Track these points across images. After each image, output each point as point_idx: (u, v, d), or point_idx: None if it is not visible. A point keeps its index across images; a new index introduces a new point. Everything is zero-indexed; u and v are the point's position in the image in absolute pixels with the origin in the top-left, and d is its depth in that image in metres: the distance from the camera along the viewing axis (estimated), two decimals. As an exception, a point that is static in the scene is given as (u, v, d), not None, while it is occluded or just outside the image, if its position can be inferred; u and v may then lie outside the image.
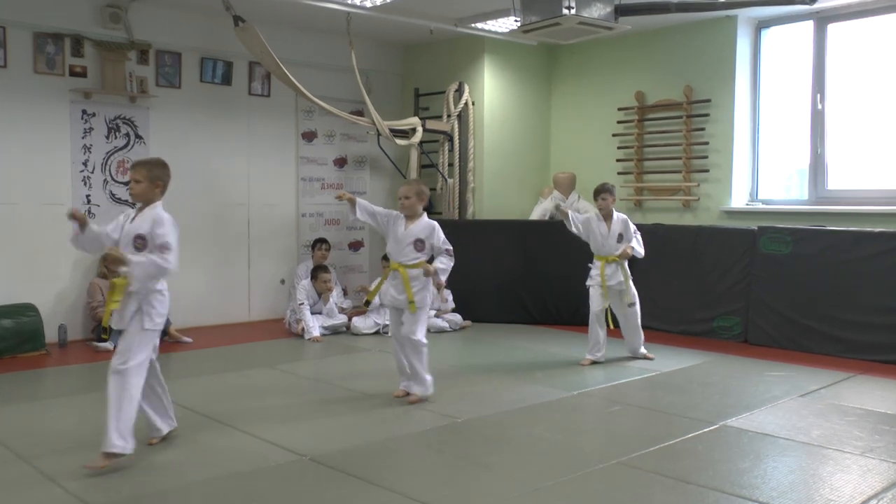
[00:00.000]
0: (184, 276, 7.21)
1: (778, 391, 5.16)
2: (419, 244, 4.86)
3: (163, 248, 3.79)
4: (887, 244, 6.17)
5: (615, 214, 6.05)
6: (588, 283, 6.08)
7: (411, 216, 4.92)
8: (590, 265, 6.10)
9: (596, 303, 6.03)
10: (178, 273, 4.05)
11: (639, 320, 6.11)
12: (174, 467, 3.75)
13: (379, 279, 5.17)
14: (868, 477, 3.65)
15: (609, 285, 5.96)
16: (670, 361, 6.09)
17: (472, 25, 7.62)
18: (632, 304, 6.01)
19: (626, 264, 6.00)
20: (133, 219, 3.87)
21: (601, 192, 6.05)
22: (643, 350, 6.21)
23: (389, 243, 4.98)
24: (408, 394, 4.97)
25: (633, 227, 6.09)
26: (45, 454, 3.93)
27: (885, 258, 6.18)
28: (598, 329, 6.07)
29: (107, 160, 7.08)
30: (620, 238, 6.00)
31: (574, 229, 6.10)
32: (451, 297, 7.75)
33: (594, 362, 6.06)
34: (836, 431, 4.33)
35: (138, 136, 7.25)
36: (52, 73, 6.73)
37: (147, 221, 3.81)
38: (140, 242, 3.76)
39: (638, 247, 6.03)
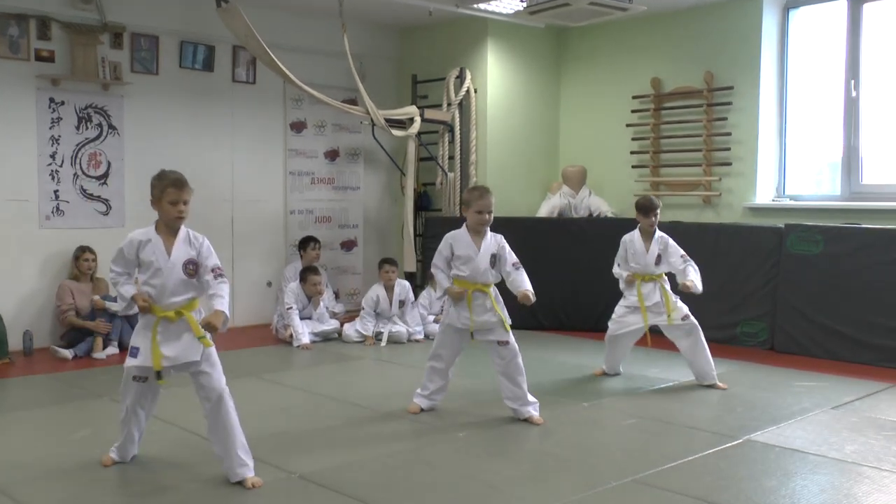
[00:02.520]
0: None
1: (807, 403, 5.14)
2: (493, 260, 4.76)
3: (219, 271, 3.83)
4: (926, 243, 6.16)
5: (657, 233, 5.74)
6: (622, 303, 5.81)
7: (482, 233, 4.77)
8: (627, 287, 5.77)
9: (621, 323, 5.77)
10: None
11: (703, 340, 5.62)
12: (153, 485, 3.73)
13: (450, 304, 4.81)
14: (907, 496, 3.63)
15: (647, 306, 5.64)
16: (687, 371, 6.06)
17: (475, 6, 7.61)
18: (685, 318, 5.60)
19: (665, 282, 5.70)
20: (170, 247, 3.76)
21: (653, 210, 5.69)
22: (714, 378, 5.63)
23: (461, 268, 4.73)
24: (422, 409, 4.94)
25: (680, 251, 5.69)
26: (7, 474, 3.91)
27: (923, 258, 6.16)
28: (616, 351, 5.93)
29: (77, 153, 7.07)
30: (659, 259, 5.70)
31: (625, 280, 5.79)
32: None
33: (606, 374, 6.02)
34: (871, 447, 4.31)
35: (112, 127, 7.23)
36: (16, 58, 6.71)
37: (185, 243, 3.80)
38: (192, 268, 3.77)
39: (697, 279, 5.51)
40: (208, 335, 3.74)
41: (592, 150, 8.61)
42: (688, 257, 5.67)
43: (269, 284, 8.27)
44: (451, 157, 8.51)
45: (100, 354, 6.42)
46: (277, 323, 7.41)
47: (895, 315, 6.26)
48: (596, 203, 8.22)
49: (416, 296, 7.70)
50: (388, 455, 4.17)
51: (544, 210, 8.36)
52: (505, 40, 8.47)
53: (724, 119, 7.62)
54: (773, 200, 7.56)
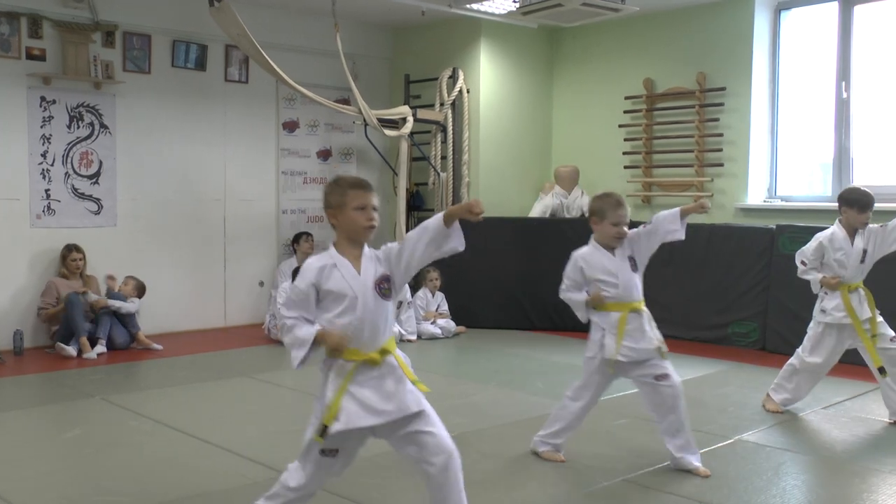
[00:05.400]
0: (154, 279, 7.21)
1: (798, 403, 5.16)
2: (633, 265, 4.06)
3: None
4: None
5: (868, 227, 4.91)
6: (822, 319, 4.90)
7: (616, 246, 4.07)
8: (822, 293, 4.96)
9: (826, 347, 4.89)
10: None
11: None
12: (142, 485, 3.72)
13: (602, 332, 4.03)
14: (896, 496, 3.66)
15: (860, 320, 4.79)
16: (681, 370, 6.02)
17: (468, 6, 7.61)
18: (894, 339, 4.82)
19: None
20: (359, 267, 2.93)
21: (872, 205, 4.93)
22: None
23: (606, 289, 3.99)
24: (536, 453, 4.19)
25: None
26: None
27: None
28: (805, 382, 4.98)
29: (68, 152, 7.05)
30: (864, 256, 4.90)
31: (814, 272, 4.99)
32: (444, 302, 7.74)
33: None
34: (862, 447, 4.33)
35: (103, 126, 7.21)
36: (7, 56, 6.69)
37: (372, 259, 2.97)
38: (387, 287, 2.93)
39: None
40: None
41: (585, 151, 8.62)
42: None
43: (262, 284, 8.26)
44: (444, 157, 8.52)
45: (90, 354, 6.40)
46: (270, 323, 7.41)
47: (885, 316, 6.27)
48: (587, 203, 8.22)
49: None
50: (381, 455, 4.17)
51: (537, 210, 8.38)
52: (498, 40, 8.48)
53: (717, 120, 7.64)
54: (765, 201, 7.59)
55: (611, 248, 4.03)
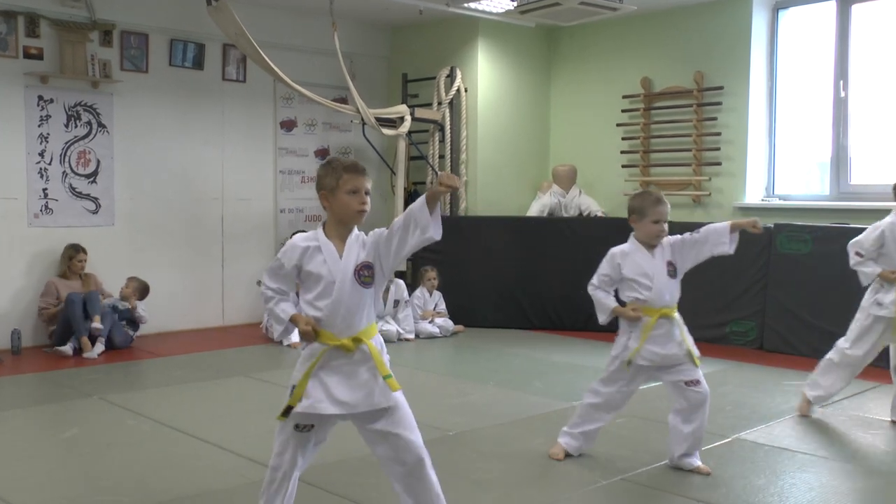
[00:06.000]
0: (152, 278, 7.20)
1: (796, 402, 5.16)
2: (672, 271, 3.95)
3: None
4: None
5: None
6: (876, 311, 4.73)
7: (656, 245, 3.99)
8: (877, 285, 4.76)
9: (870, 341, 4.77)
10: None
11: None
12: (141, 485, 3.72)
13: (628, 335, 3.95)
14: (894, 495, 3.66)
15: None
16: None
17: (466, 5, 7.62)
18: None
19: None
20: (342, 252, 2.90)
21: None
22: None
23: (640, 291, 3.91)
24: (567, 455, 4.12)
25: None
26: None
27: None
28: (841, 377, 4.87)
29: (66, 150, 7.04)
30: None
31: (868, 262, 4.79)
32: (442, 301, 7.74)
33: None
34: (859, 446, 4.34)
35: (101, 125, 7.21)
36: (4, 55, 6.68)
37: (357, 244, 2.93)
38: (367, 274, 2.88)
39: None
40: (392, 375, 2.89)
41: (582, 150, 8.63)
42: None
43: (259, 283, 8.23)
44: (442, 157, 8.52)
45: (90, 353, 6.39)
46: (267, 322, 7.40)
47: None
48: (586, 202, 8.23)
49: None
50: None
51: (534, 209, 8.38)
52: (495, 39, 8.48)
53: (714, 119, 7.65)
54: (763, 200, 7.60)
55: (651, 248, 3.97)
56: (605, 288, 4.01)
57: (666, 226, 3.94)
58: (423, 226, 2.77)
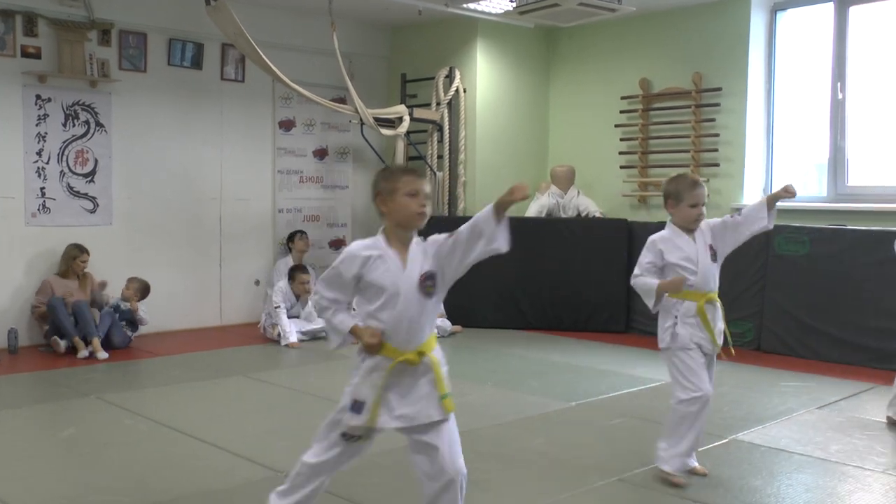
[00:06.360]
0: (150, 278, 7.20)
1: (793, 403, 5.18)
2: (714, 255, 3.87)
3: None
4: (911, 245, 6.20)
5: None
6: None
7: (695, 230, 3.87)
8: None
9: None
10: None
11: None
12: (139, 485, 3.72)
13: (674, 320, 3.80)
14: (891, 496, 3.67)
15: None
16: (677, 371, 6.10)
17: (465, 6, 7.62)
18: None
19: None
20: (405, 261, 2.79)
21: None
22: None
23: (689, 277, 3.76)
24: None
25: None
26: (-4, 470, 3.91)
27: (909, 260, 6.21)
28: None
29: (63, 150, 7.04)
30: None
31: None
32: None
33: None
34: (856, 447, 4.35)
35: (99, 124, 7.21)
36: (2, 55, 6.67)
37: (420, 252, 2.83)
38: (432, 283, 2.80)
39: None
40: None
41: (581, 151, 8.64)
42: None
43: (258, 283, 8.26)
44: (440, 157, 8.52)
45: (83, 353, 6.38)
46: (265, 322, 7.41)
47: (880, 316, 6.31)
48: (584, 203, 8.24)
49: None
50: (378, 454, 4.17)
51: (533, 210, 8.38)
52: (494, 40, 8.49)
53: (713, 120, 7.65)
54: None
55: (690, 233, 3.83)
56: (649, 275, 3.84)
57: (704, 209, 3.84)
58: (488, 236, 2.71)
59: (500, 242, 2.72)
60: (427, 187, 2.83)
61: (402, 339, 2.75)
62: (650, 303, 3.85)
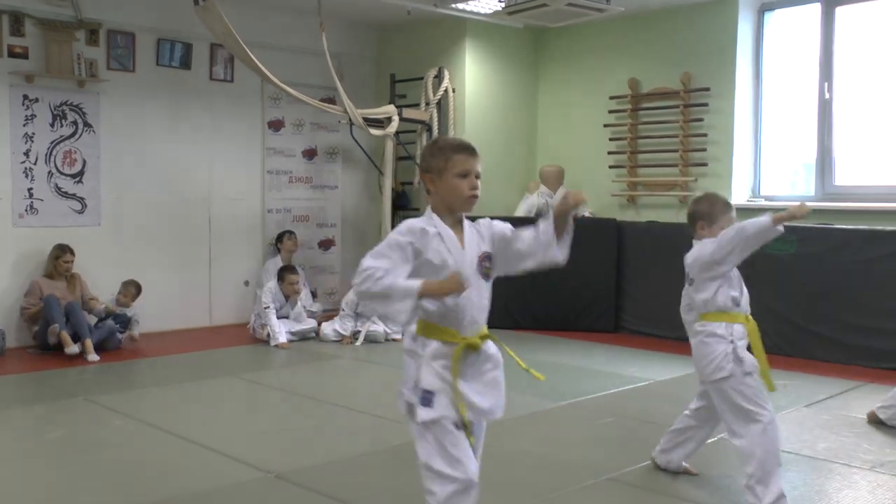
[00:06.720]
0: (139, 278, 7.18)
1: (781, 401, 5.19)
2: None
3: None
4: (898, 244, 6.24)
5: None
6: None
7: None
8: None
9: None
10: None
11: None
12: (127, 485, 3.71)
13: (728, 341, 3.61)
14: (878, 493, 3.70)
15: None
16: (665, 369, 6.13)
17: (454, 6, 7.62)
18: None
19: None
20: (463, 238, 2.62)
21: None
22: None
23: (736, 293, 3.64)
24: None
25: None
26: (-16, 472, 3.89)
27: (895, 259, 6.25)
28: None
29: (51, 150, 7.01)
30: None
31: None
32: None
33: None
34: (843, 444, 4.37)
35: (87, 125, 7.18)
36: (-10, 55, 6.66)
37: (476, 233, 2.68)
38: (489, 264, 2.66)
39: None
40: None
41: (570, 150, 8.65)
42: None
43: (247, 283, 8.24)
44: (430, 157, 8.51)
45: (72, 349, 6.32)
46: (255, 322, 7.39)
47: (867, 314, 6.35)
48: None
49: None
50: (366, 454, 4.18)
51: (522, 209, 8.40)
52: (483, 40, 8.49)
53: (701, 120, 7.68)
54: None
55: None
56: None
57: None
58: (545, 244, 2.61)
59: (558, 252, 2.62)
60: (479, 166, 2.64)
61: (466, 322, 2.55)
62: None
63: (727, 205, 3.74)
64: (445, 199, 2.59)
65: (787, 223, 3.40)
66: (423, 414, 2.49)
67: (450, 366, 2.50)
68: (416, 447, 2.52)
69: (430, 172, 2.63)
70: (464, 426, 2.50)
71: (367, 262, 2.46)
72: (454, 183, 2.58)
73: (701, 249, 3.65)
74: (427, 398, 2.49)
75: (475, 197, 2.59)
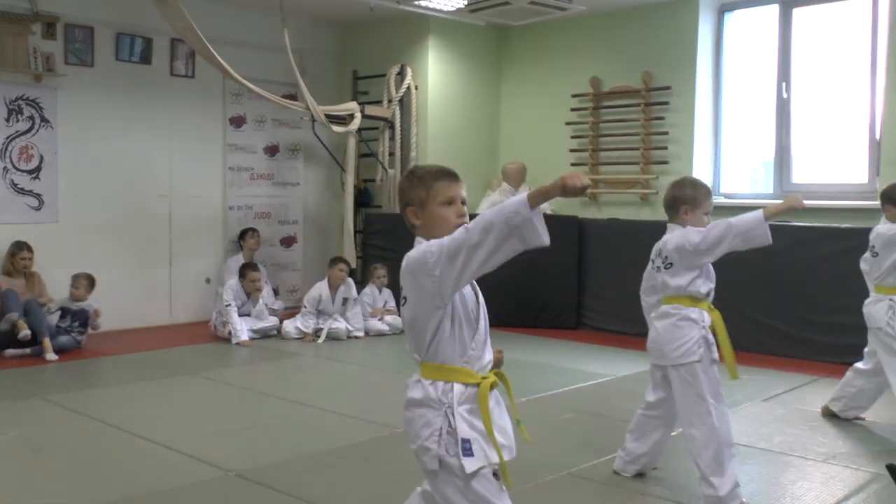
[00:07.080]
0: (98, 276, 7.08)
1: (739, 395, 5.28)
2: None
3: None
4: (854, 241, 6.32)
5: None
6: None
7: None
8: None
9: None
10: None
11: None
12: (84, 486, 3.67)
13: (700, 326, 3.66)
14: (831, 484, 3.77)
15: None
16: (626, 365, 6.19)
17: (416, 3, 7.61)
18: None
19: None
20: None
21: None
22: None
23: (710, 283, 3.74)
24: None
25: None
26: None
27: (851, 255, 6.31)
28: None
29: (7, 146, 6.89)
30: None
31: None
32: (392, 298, 7.74)
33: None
34: (798, 437, 4.45)
35: (44, 120, 7.06)
36: (-55, 48, 6.53)
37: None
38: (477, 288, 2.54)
39: None
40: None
41: (532, 148, 8.69)
42: None
43: (208, 281, 8.17)
44: (392, 154, 8.52)
45: (24, 332, 6.17)
46: (216, 320, 7.33)
47: (823, 310, 6.46)
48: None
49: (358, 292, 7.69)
50: (327, 452, 4.17)
51: (484, 207, 8.41)
52: (446, 38, 8.50)
53: (662, 118, 7.76)
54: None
55: None
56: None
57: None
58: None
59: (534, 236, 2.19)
60: (464, 191, 2.42)
61: (485, 359, 2.40)
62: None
63: (709, 191, 3.72)
64: (432, 231, 2.37)
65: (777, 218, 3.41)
66: (470, 464, 2.29)
67: (476, 409, 2.33)
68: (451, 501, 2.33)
69: (411, 205, 2.42)
70: (502, 472, 2.36)
71: (471, 232, 2.20)
72: (440, 212, 2.37)
73: (686, 236, 3.58)
74: (467, 447, 2.31)
75: (463, 224, 2.30)
